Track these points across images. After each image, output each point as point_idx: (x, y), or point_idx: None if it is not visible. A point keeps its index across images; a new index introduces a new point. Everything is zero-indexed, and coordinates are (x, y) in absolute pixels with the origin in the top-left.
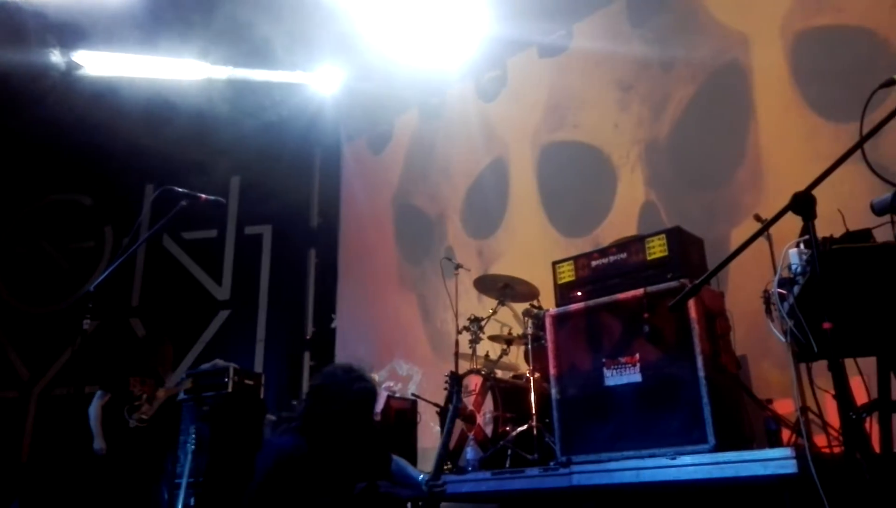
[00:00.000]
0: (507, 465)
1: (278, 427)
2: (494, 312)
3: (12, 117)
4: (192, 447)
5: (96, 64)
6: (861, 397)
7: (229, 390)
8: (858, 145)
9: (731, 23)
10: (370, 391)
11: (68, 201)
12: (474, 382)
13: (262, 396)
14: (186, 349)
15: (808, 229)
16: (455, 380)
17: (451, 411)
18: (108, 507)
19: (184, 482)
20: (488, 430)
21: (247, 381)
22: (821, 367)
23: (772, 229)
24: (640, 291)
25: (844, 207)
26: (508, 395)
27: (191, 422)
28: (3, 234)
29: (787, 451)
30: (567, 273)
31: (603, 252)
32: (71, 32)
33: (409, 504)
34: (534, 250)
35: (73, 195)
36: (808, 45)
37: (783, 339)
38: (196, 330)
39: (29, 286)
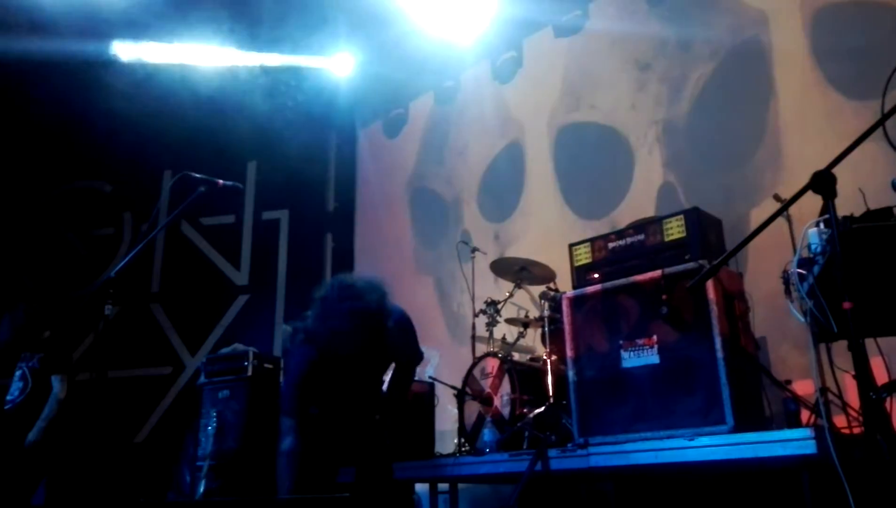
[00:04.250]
0: (525, 447)
1: (294, 338)
2: (511, 295)
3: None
4: (213, 429)
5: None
6: (881, 377)
7: (249, 373)
8: (879, 123)
9: (750, 0)
10: (360, 311)
11: (87, 188)
12: (491, 364)
13: (281, 379)
14: (206, 333)
15: (828, 208)
16: None
17: None
18: (133, 489)
19: (205, 464)
20: (506, 412)
21: (266, 365)
22: (840, 347)
23: (791, 209)
24: (658, 272)
25: (865, 185)
26: (525, 377)
27: (211, 405)
28: (23, 221)
29: (806, 432)
30: (584, 255)
31: (620, 234)
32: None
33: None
34: (550, 232)
35: (93, 182)
36: (828, 21)
37: (803, 319)
38: (215, 315)
39: (49, 273)
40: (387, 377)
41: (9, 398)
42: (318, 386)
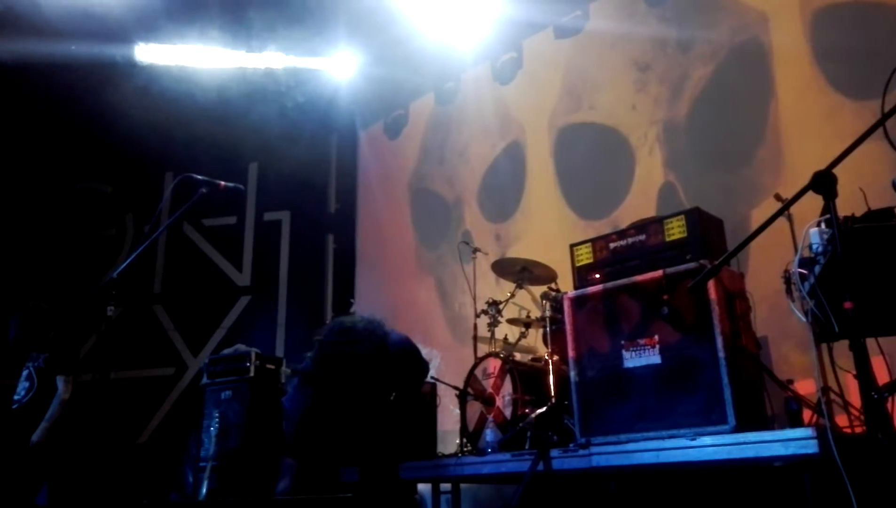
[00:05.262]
0: (527, 447)
1: (293, 380)
2: (512, 295)
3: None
4: (216, 430)
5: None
6: (883, 376)
7: (251, 374)
8: (880, 123)
9: (750, 0)
10: (361, 357)
11: (89, 190)
12: (493, 365)
13: (282, 380)
14: (208, 335)
15: (828, 208)
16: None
17: None
18: (136, 490)
19: (208, 464)
20: (507, 412)
21: (268, 365)
22: (842, 347)
23: (792, 209)
24: (659, 272)
25: (866, 185)
26: (527, 377)
27: (214, 406)
28: (26, 222)
29: (808, 431)
30: (585, 256)
31: (621, 234)
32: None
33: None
34: (551, 232)
35: (94, 184)
36: (828, 22)
37: (804, 319)
38: (217, 316)
39: (51, 274)
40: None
41: (15, 397)
42: (320, 426)
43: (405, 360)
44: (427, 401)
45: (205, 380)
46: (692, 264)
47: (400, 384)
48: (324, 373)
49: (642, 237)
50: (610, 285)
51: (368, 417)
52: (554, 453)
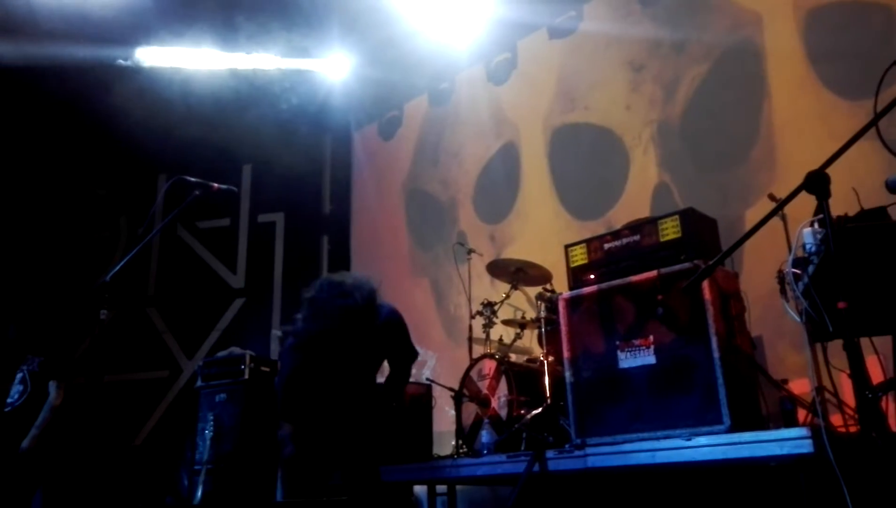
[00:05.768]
0: (523, 448)
1: (284, 342)
2: (507, 296)
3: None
4: (210, 433)
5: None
6: (877, 376)
7: (246, 377)
8: (873, 123)
9: (744, 0)
10: (349, 309)
11: (83, 192)
12: (488, 366)
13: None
14: (202, 337)
15: (822, 208)
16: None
17: None
18: (129, 495)
19: (203, 468)
20: (503, 413)
21: (263, 368)
22: (836, 346)
23: (786, 209)
24: (654, 273)
25: (859, 185)
26: (522, 378)
27: (208, 409)
28: (19, 225)
29: (802, 431)
30: (580, 256)
31: (616, 235)
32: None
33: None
34: (546, 233)
35: (88, 186)
36: (821, 21)
37: (798, 319)
38: (212, 319)
39: (45, 277)
40: (382, 378)
41: (8, 400)
42: (308, 390)
43: (394, 326)
44: (423, 402)
45: (199, 383)
46: (686, 265)
47: (390, 352)
48: (315, 329)
49: (637, 238)
50: (605, 285)
51: (357, 397)
52: (550, 454)
